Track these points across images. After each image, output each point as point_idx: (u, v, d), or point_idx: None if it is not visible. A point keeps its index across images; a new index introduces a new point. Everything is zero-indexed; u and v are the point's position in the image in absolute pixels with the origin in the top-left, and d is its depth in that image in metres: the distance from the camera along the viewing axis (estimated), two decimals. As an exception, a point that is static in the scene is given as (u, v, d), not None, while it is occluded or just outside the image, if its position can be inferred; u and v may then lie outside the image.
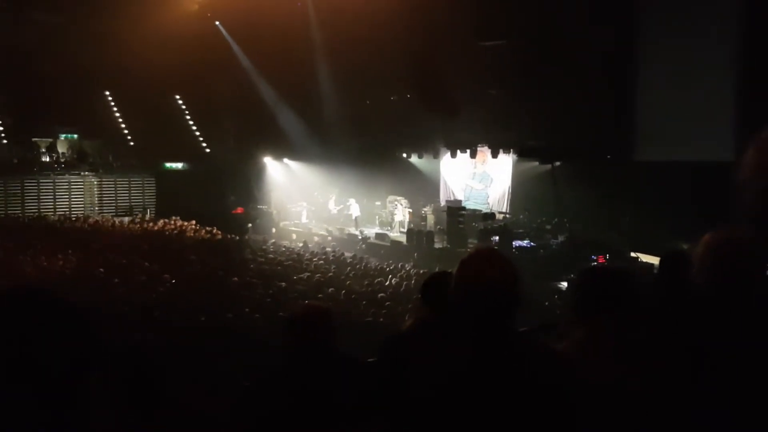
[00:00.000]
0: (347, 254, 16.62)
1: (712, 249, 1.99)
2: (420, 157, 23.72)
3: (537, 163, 19.76)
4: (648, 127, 15.91)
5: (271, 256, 15.68)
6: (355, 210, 21.95)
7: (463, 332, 1.81)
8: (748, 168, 1.73)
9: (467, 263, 1.83)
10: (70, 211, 22.95)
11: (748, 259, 1.93)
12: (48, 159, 23.84)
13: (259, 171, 25.29)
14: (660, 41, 15.63)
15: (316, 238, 20.29)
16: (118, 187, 24.73)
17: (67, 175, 23.67)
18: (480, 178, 22.83)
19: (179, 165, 25.53)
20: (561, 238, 17.29)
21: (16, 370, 1.10)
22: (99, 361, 1.30)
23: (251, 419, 2.55)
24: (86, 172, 23.99)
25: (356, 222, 21.68)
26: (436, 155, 23.18)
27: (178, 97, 26.53)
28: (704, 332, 1.88)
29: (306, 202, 23.92)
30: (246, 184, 24.67)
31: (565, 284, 13.19)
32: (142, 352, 2.64)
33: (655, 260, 7.52)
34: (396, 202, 21.53)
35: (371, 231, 20.66)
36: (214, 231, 19.56)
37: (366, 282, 12.19)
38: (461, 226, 18.31)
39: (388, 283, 12.12)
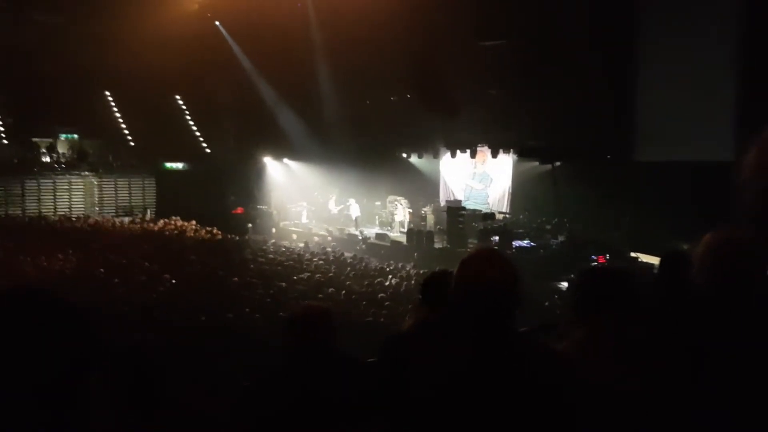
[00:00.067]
0: (347, 254, 16.62)
1: (713, 249, 1.99)
2: (420, 157, 23.73)
3: (537, 163, 19.76)
4: (648, 127, 15.91)
5: (271, 256, 15.69)
6: (355, 210, 21.95)
7: (463, 332, 1.81)
8: (749, 168, 1.73)
9: (467, 263, 1.84)
10: (70, 211, 22.94)
11: (748, 259, 1.94)
12: (48, 159, 23.83)
13: (259, 171, 25.29)
14: (660, 41, 15.63)
15: (316, 239, 20.29)
16: (118, 187, 24.72)
17: (67, 176, 23.66)
18: (480, 178, 22.83)
19: (179, 165, 25.53)
20: (561, 238, 17.30)
21: (16, 370, 1.10)
22: (99, 361, 1.30)
23: (251, 419, 2.55)
24: (86, 172, 23.98)
25: (356, 222, 21.68)
26: (436, 155, 23.18)
27: (178, 97, 26.52)
28: (704, 332, 1.88)
29: (306, 202, 23.92)
30: (246, 184, 24.66)
31: (565, 284, 13.19)
32: (142, 352, 2.63)
33: (655, 260, 7.52)
34: (396, 202, 21.52)
35: (371, 231, 20.66)
36: (214, 231, 19.56)
37: (366, 282, 12.19)
38: (461, 226, 18.30)
39: (388, 283, 12.13)
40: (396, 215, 21.22)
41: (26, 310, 1.15)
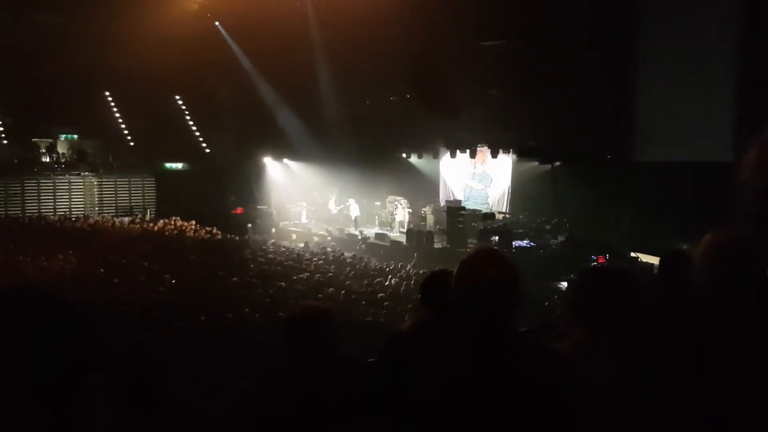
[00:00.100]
0: (347, 254, 16.62)
1: (713, 249, 1.99)
2: (420, 157, 23.73)
3: (537, 163, 19.77)
4: (648, 127, 15.91)
5: (270, 256, 15.68)
6: (354, 210, 21.96)
7: (463, 332, 1.81)
8: (749, 168, 1.73)
9: (467, 263, 1.83)
10: (70, 211, 22.95)
11: (749, 259, 1.93)
12: (48, 159, 23.83)
13: (258, 171, 25.29)
14: (660, 41, 15.63)
15: (315, 239, 20.29)
16: (118, 188, 24.73)
17: (67, 176, 23.67)
18: (480, 178, 22.83)
19: (179, 165, 25.54)
20: (561, 238, 17.30)
21: (16, 370, 1.10)
22: (99, 361, 1.30)
23: (251, 419, 2.55)
24: (86, 173, 23.98)
25: (356, 222, 21.69)
26: (436, 155, 23.19)
27: (178, 97, 26.54)
28: (704, 332, 1.88)
29: (306, 202, 23.93)
30: (246, 184, 24.68)
31: (564, 284, 13.19)
32: (142, 352, 2.64)
33: (655, 260, 7.52)
34: (396, 203, 21.52)
35: (371, 231, 20.66)
36: (214, 231, 19.57)
37: (365, 282, 12.20)
38: (461, 226, 18.30)
39: (387, 283, 12.13)
40: (396, 215, 21.21)
41: (26, 311, 1.15)
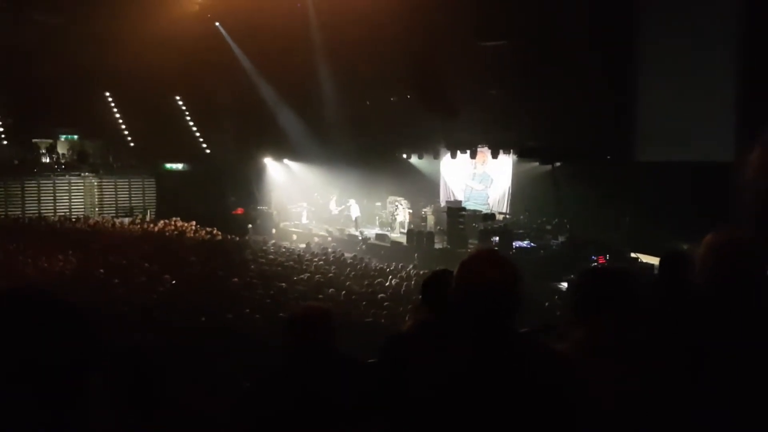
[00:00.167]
0: (347, 255, 16.62)
1: (714, 249, 1.99)
2: (420, 157, 23.73)
3: (537, 164, 19.76)
4: (648, 127, 15.91)
5: (271, 256, 15.69)
6: (355, 211, 21.96)
7: (463, 333, 1.81)
8: (751, 168, 1.73)
9: (468, 264, 1.83)
10: (70, 211, 22.97)
11: (749, 259, 1.94)
12: (48, 160, 23.84)
13: (259, 172, 25.29)
14: (660, 41, 15.63)
15: (316, 239, 20.29)
16: (118, 188, 24.75)
17: (67, 176, 23.69)
18: (480, 179, 22.83)
19: (179, 166, 25.55)
20: (561, 239, 17.29)
21: (16, 371, 1.10)
22: (99, 361, 1.30)
23: (251, 420, 2.55)
24: (86, 173, 24.00)
25: (356, 223, 21.69)
26: (437, 156, 23.19)
27: (178, 97, 26.54)
28: (704, 332, 1.88)
29: (306, 202, 23.93)
30: (246, 184, 24.67)
31: (565, 285, 13.19)
32: (142, 352, 2.64)
33: (655, 260, 7.52)
34: (396, 203, 21.52)
35: (371, 232, 20.66)
36: (214, 232, 19.57)
37: (366, 282, 12.20)
38: (461, 226, 18.30)
39: (388, 283, 12.13)
40: (396, 216, 21.21)
41: (26, 311, 1.15)
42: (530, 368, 1.75)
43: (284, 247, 18.55)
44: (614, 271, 2.32)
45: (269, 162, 25.55)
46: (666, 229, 12.96)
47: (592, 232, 16.53)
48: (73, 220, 21.29)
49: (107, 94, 25.33)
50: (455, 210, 19.00)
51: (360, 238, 19.70)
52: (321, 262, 14.94)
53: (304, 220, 23.38)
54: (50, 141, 24.17)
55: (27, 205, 22.74)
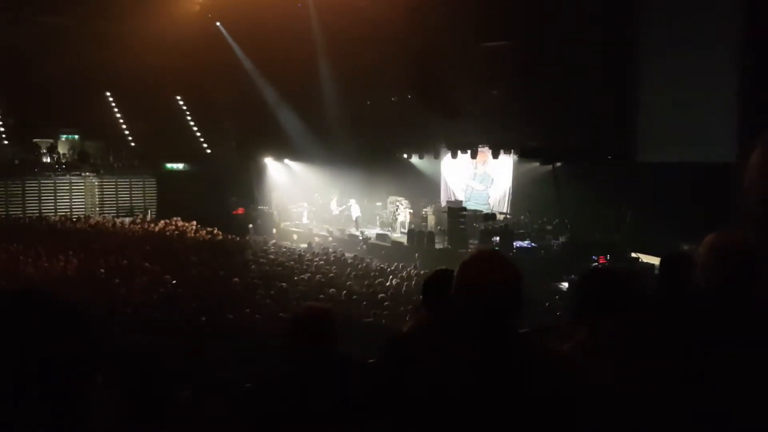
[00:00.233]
0: (348, 255, 16.62)
1: (715, 250, 1.99)
2: (421, 157, 23.72)
3: (538, 164, 19.75)
4: (648, 128, 15.90)
5: (272, 256, 15.69)
6: (355, 211, 21.96)
7: (464, 334, 1.81)
8: (753, 169, 1.72)
9: (468, 264, 1.83)
10: (71, 211, 22.96)
11: (750, 260, 1.93)
12: (49, 160, 23.84)
13: (259, 172, 25.29)
14: (660, 41, 15.62)
15: (317, 239, 20.29)
16: (119, 188, 24.75)
17: (68, 176, 23.69)
18: (481, 179, 22.83)
19: (180, 166, 25.55)
20: (562, 239, 17.27)
21: (16, 371, 1.10)
22: (100, 362, 1.30)
23: (251, 420, 2.55)
24: (87, 173, 24.00)
25: (357, 223, 21.69)
26: (437, 156, 23.18)
27: (179, 97, 26.55)
28: (705, 333, 1.88)
29: (307, 202, 23.94)
30: (247, 184, 24.67)
31: (566, 285, 13.20)
32: (143, 352, 2.64)
33: (655, 261, 7.52)
34: (397, 203, 21.52)
35: (372, 232, 20.65)
36: (215, 232, 19.57)
37: (366, 282, 12.20)
38: (462, 226, 18.29)
39: (388, 284, 12.13)
40: (397, 216, 21.21)
41: (27, 312, 1.15)
42: (531, 369, 1.75)
43: (285, 247, 18.54)
44: (615, 272, 2.32)
45: (270, 162, 25.55)
46: (666, 230, 12.96)
47: (593, 233, 16.53)
48: (74, 220, 21.29)
49: (108, 94, 25.34)
50: (456, 210, 18.99)
51: (361, 238, 19.70)
52: (322, 262, 14.94)
53: (305, 220, 23.38)
54: (51, 141, 24.17)
55: (28, 205, 22.75)
